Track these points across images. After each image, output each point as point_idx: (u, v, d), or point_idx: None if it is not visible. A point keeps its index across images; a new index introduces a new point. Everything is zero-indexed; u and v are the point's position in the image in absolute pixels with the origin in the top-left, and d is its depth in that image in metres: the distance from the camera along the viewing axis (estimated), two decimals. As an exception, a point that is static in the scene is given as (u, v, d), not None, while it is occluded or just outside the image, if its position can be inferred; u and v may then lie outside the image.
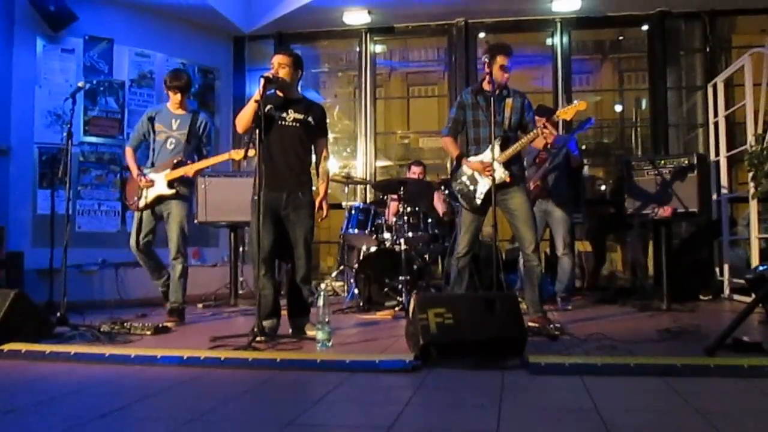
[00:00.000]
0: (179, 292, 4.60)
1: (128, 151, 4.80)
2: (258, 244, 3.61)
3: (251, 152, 3.75)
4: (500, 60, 4.03)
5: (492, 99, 3.95)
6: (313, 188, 3.96)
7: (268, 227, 3.73)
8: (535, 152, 5.26)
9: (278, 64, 3.76)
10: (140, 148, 4.88)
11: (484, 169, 4.02)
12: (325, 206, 3.98)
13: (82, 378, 2.75)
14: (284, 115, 3.80)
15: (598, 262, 6.81)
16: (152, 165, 4.70)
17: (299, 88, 4.01)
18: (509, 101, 4.13)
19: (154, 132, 4.71)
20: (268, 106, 3.75)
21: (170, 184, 4.58)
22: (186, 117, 4.73)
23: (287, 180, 3.78)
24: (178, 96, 4.70)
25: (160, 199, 4.62)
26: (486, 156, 4.03)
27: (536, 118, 4.87)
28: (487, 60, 4.04)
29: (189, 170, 4.61)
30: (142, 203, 4.63)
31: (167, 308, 4.63)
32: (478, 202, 4.14)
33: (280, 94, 3.83)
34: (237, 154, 4.48)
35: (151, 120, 4.72)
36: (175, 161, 4.61)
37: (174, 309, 4.57)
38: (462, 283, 4.23)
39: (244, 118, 3.68)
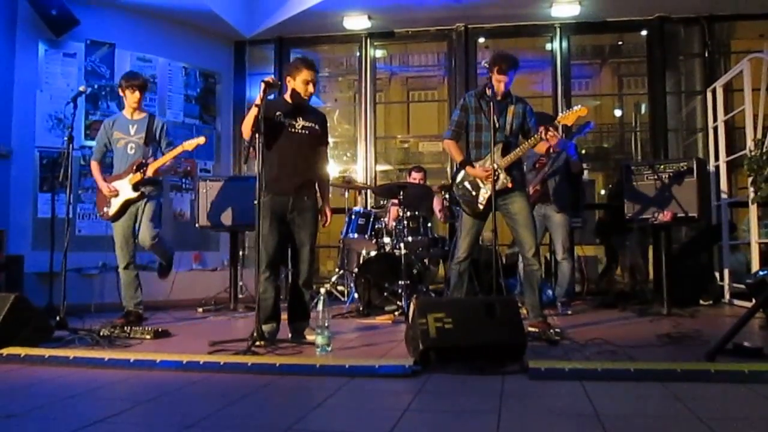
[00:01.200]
0: (165, 257, 4.96)
1: (93, 165, 4.87)
2: (258, 247, 3.61)
3: (252, 155, 3.77)
4: (498, 75, 4.03)
5: (492, 104, 3.95)
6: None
7: (274, 230, 3.74)
8: (535, 157, 5.26)
9: (312, 82, 3.81)
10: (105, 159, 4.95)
11: (486, 177, 4.01)
12: (328, 212, 4.00)
13: (82, 382, 2.75)
14: (294, 122, 3.82)
15: (610, 263, 6.86)
16: (114, 172, 4.79)
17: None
18: (511, 107, 4.13)
19: (111, 141, 4.79)
20: (278, 113, 3.77)
21: (135, 187, 4.67)
22: (143, 121, 4.82)
23: (294, 184, 3.80)
24: (137, 94, 4.76)
25: (128, 204, 4.71)
26: (487, 161, 4.03)
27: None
28: (488, 67, 4.05)
29: (150, 170, 4.68)
30: (111, 212, 4.71)
31: (157, 264, 4.97)
32: (480, 207, 4.13)
33: (291, 102, 3.84)
34: (189, 145, 4.63)
35: (108, 129, 4.80)
36: (135, 165, 4.68)
37: (162, 268, 4.98)
38: (462, 287, 4.23)
39: (247, 125, 3.69)
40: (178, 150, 4.69)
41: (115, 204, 4.71)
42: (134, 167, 4.68)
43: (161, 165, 4.73)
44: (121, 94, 4.86)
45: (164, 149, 4.83)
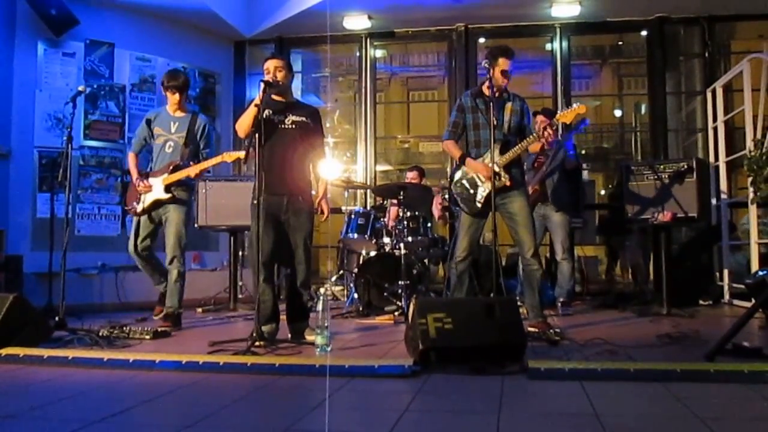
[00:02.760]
0: (175, 297, 4.53)
1: (130, 156, 4.78)
2: (257, 248, 3.61)
3: (251, 155, 3.75)
4: (502, 63, 4.02)
5: (491, 103, 3.94)
6: (313, 192, 3.97)
7: (269, 231, 3.73)
8: (534, 156, 5.26)
9: (275, 68, 3.77)
10: (143, 153, 4.86)
11: (486, 172, 4.01)
12: (325, 207, 3.98)
13: (80, 383, 2.74)
14: (283, 118, 3.80)
15: (611, 263, 6.88)
16: (151, 169, 4.68)
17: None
18: (509, 105, 4.13)
19: (153, 136, 4.69)
20: (268, 111, 3.75)
21: (167, 188, 4.54)
22: (185, 119, 4.68)
23: (288, 184, 3.78)
24: (176, 96, 4.64)
25: (157, 204, 4.59)
26: (487, 159, 4.03)
27: (541, 119, 4.90)
28: (488, 64, 4.04)
29: (187, 173, 4.56)
30: (140, 208, 4.60)
31: (162, 312, 4.59)
32: (479, 205, 4.12)
33: (280, 99, 3.84)
34: (230, 156, 4.47)
35: (150, 123, 4.69)
36: (171, 165, 4.57)
37: (169, 314, 4.51)
38: (462, 287, 4.22)
39: (244, 123, 3.68)
40: (218, 159, 4.53)
41: (146, 201, 4.59)
42: (170, 168, 4.55)
43: (202, 170, 4.61)
44: (163, 92, 4.72)
45: (202, 150, 4.70)
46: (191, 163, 4.63)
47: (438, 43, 8.04)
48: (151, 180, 4.60)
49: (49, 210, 5.08)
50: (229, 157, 4.47)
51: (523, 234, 4.07)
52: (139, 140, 4.77)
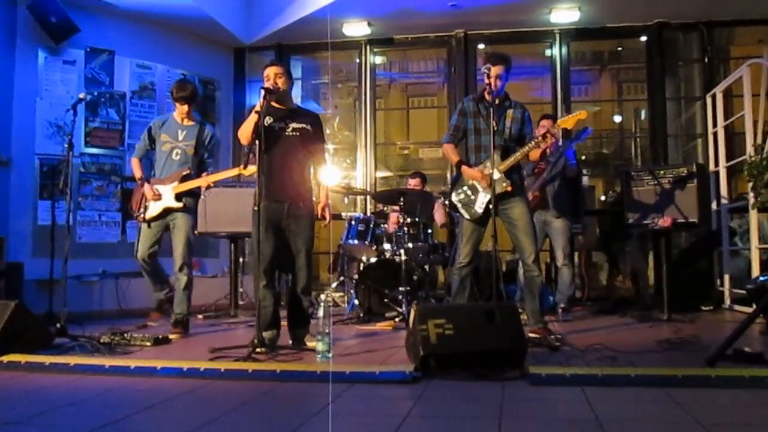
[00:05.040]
0: (184, 304, 4.54)
1: (134, 162, 4.76)
2: (258, 254, 3.61)
3: (251, 165, 3.76)
4: (492, 69, 4.04)
5: (491, 108, 3.96)
6: (313, 199, 3.97)
7: (269, 238, 3.73)
8: (534, 163, 5.27)
9: (275, 75, 3.77)
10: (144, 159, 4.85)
11: (482, 178, 4.03)
12: (327, 214, 3.99)
13: (82, 389, 2.74)
14: (284, 125, 3.82)
15: (612, 269, 6.87)
16: (154, 176, 4.66)
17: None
18: (510, 112, 4.14)
19: (157, 142, 4.68)
20: (269, 118, 3.76)
21: (178, 197, 4.55)
22: (193, 128, 4.69)
23: (289, 191, 3.79)
24: (185, 107, 4.64)
25: (167, 212, 4.59)
26: (487, 165, 4.04)
27: (542, 123, 4.92)
28: (486, 70, 4.06)
29: (199, 183, 4.57)
30: (148, 215, 4.59)
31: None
32: (479, 212, 4.13)
33: (280, 106, 3.85)
34: (248, 171, 4.30)
35: (156, 130, 4.69)
36: (183, 174, 4.57)
37: (179, 320, 4.51)
38: (464, 293, 4.22)
39: (246, 131, 3.69)
40: (235, 171, 4.49)
41: (155, 208, 4.58)
42: (181, 176, 4.55)
43: (216, 181, 4.62)
44: (172, 101, 4.72)
45: (207, 159, 4.72)
46: (199, 171, 4.65)
47: (437, 49, 8.06)
48: (160, 187, 4.60)
49: (49, 217, 5.08)
50: (247, 171, 4.26)
51: (523, 240, 4.07)
52: (143, 145, 4.76)
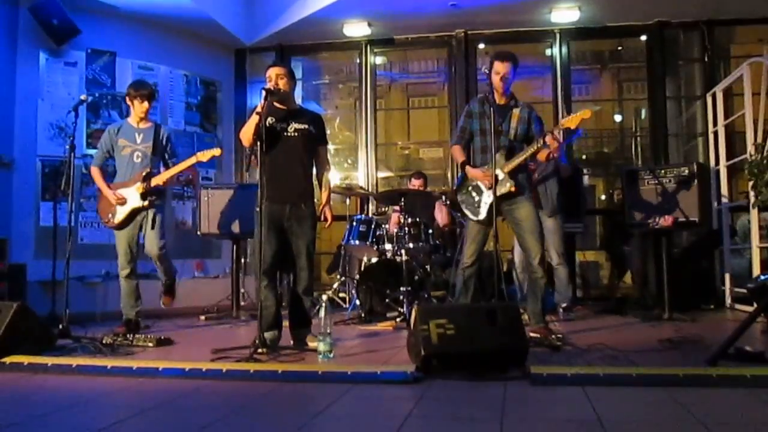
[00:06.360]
0: (171, 271, 4.91)
1: (95, 171, 4.83)
2: (260, 255, 3.62)
3: (254, 163, 3.79)
4: (496, 66, 4.05)
5: (493, 109, 3.95)
6: (315, 200, 3.98)
7: (271, 238, 3.74)
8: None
9: (276, 76, 3.79)
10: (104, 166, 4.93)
11: (484, 177, 4.03)
12: (329, 215, 4.00)
13: (84, 390, 2.75)
14: (286, 126, 3.82)
15: (614, 269, 6.88)
16: (117, 179, 4.78)
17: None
18: (516, 112, 4.13)
19: (116, 148, 4.78)
20: (271, 119, 3.77)
21: (143, 196, 4.67)
22: (149, 130, 4.81)
23: (291, 191, 3.80)
24: (145, 104, 4.76)
25: (135, 212, 4.70)
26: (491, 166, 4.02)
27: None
28: (487, 70, 4.07)
29: (160, 179, 4.71)
30: (117, 219, 4.69)
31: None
32: (484, 212, 4.12)
33: (281, 107, 3.86)
34: (204, 155, 4.66)
35: (113, 136, 4.79)
36: (144, 173, 4.68)
37: (168, 285, 4.89)
38: (468, 294, 4.22)
39: (248, 132, 3.70)
40: (193, 160, 4.70)
41: (122, 212, 4.69)
42: (143, 176, 4.67)
43: (174, 174, 4.75)
44: (128, 102, 4.83)
45: (169, 159, 4.85)
46: (159, 170, 4.81)
47: (438, 49, 8.06)
48: (123, 191, 4.71)
49: (52, 218, 5.09)
50: (204, 156, 4.66)
51: (529, 240, 4.07)
52: (102, 153, 4.85)
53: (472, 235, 4.19)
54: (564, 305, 5.25)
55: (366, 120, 7.63)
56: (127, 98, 4.83)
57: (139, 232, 4.77)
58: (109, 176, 4.91)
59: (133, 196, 4.68)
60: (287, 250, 3.83)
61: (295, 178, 3.82)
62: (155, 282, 5.15)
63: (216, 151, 4.72)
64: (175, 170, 4.76)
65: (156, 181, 4.69)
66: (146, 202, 4.67)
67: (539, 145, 3.96)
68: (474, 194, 4.18)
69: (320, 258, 8.27)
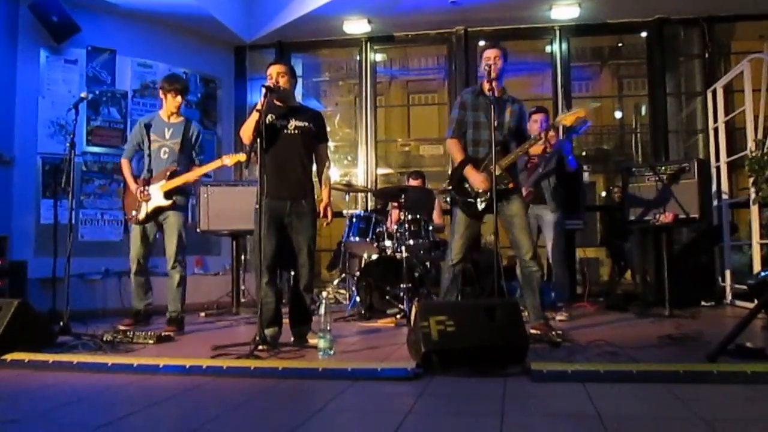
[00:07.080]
0: (178, 301, 4.57)
1: (124, 163, 4.77)
2: (260, 251, 3.62)
3: (254, 160, 3.77)
4: (484, 54, 4.08)
5: (493, 105, 3.93)
6: (315, 197, 3.98)
7: (271, 235, 3.75)
8: (525, 157, 5.22)
9: (277, 73, 3.80)
10: (134, 158, 4.86)
11: (482, 183, 3.99)
12: (329, 212, 4.00)
13: (85, 387, 2.75)
14: (286, 123, 3.83)
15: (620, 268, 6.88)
16: (150, 174, 4.66)
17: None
18: (509, 106, 4.13)
19: (145, 142, 4.69)
20: (271, 116, 3.77)
21: (167, 194, 4.56)
22: (179, 125, 4.70)
23: (291, 188, 3.80)
24: (178, 99, 4.67)
25: (158, 211, 4.60)
26: (489, 167, 3.99)
27: (535, 116, 4.92)
28: (487, 62, 4.07)
29: (186, 179, 4.59)
30: (141, 216, 4.60)
31: (166, 317, 4.58)
32: (480, 207, 4.10)
33: (281, 104, 3.86)
34: (230, 159, 4.51)
35: (147, 128, 4.70)
36: (169, 172, 4.59)
37: (173, 318, 4.55)
38: (455, 290, 4.21)
39: (248, 129, 3.70)
40: (218, 163, 4.56)
41: (147, 209, 4.59)
42: (167, 174, 4.57)
43: (200, 175, 4.65)
44: (161, 96, 4.72)
45: (196, 156, 4.75)
46: (185, 168, 4.67)
47: (438, 46, 8.05)
48: (150, 188, 4.61)
49: (52, 216, 5.09)
50: (229, 159, 4.51)
51: (520, 236, 4.05)
52: (132, 146, 4.78)
53: (460, 230, 4.14)
54: (562, 302, 5.23)
55: (366, 117, 7.63)
56: (160, 91, 4.72)
57: (156, 232, 4.68)
58: (135, 169, 4.82)
59: (157, 194, 4.57)
60: (288, 246, 3.83)
61: (295, 175, 3.82)
62: (163, 279, 5.13)
63: (241, 156, 4.40)
64: (199, 171, 4.62)
65: (180, 180, 4.55)
66: (170, 201, 4.55)
67: (536, 140, 3.97)
68: (470, 189, 4.15)
69: (320, 255, 8.28)
